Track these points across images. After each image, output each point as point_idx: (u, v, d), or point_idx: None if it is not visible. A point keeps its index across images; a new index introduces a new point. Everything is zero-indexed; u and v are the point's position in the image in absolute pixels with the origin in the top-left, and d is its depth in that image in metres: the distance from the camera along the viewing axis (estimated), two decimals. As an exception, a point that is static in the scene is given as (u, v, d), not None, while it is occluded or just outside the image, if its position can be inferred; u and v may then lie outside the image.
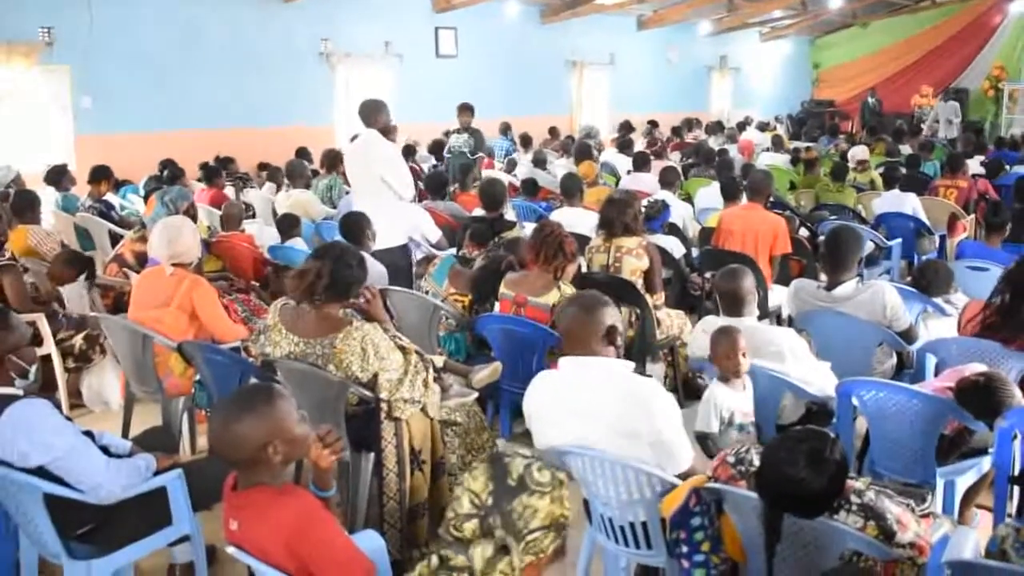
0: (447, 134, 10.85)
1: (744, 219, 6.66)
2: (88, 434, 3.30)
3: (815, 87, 25.34)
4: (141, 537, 3.29)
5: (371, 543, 2.74)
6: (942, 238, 8.34)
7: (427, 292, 5.55)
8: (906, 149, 13.44)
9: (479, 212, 7.09)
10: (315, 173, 10.34)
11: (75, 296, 5.84)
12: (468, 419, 4.12)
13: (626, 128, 15.98)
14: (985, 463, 3.66)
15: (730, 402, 3.76)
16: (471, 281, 5.42)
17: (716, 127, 17.04)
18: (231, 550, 2.45)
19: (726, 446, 3.43)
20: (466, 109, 10.86)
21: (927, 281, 5.15)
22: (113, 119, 11.57)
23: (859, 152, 11.76)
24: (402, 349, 3.72)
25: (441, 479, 3.87)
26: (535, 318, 4.81)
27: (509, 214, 7.25)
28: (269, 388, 2.54)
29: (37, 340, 5.17)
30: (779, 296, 6.16)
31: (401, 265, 6.40)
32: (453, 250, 6.43)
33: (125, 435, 4.57)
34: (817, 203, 9.58)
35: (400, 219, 6.44)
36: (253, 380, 3.97)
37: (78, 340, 5.62)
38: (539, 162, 12.16)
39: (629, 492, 3.06)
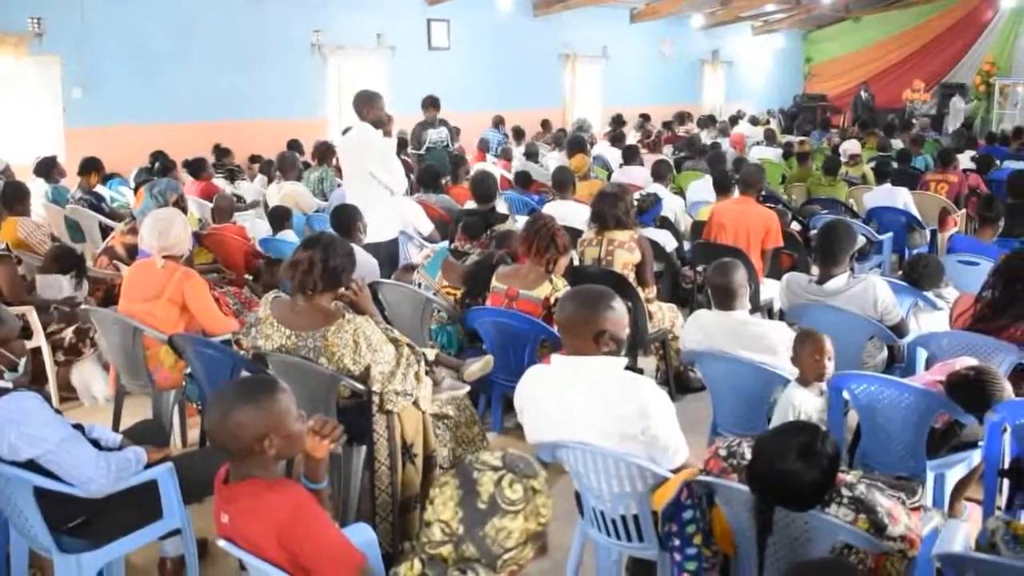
0: (423, 127, 10.80)
1: (736, 213, 6.66)
2: (78, 427, 3.28)
3: (807, 81, 25.38)
4: (132, 530, 3.27)
5: (363, 536, 2.74)
6: (933, 232, 8.36)
7: (420, 284, 5.54)
8: (897, 144, 13.46)
9: (471, 205, 7.08)
10: (306, 165, 10.31)
11: (50, 284, 5.77)
12: (459, 412, 4.11)
13: (617, 122, 15.97)
14: (975, 456, 3.68)
15: (808, 405, 3.74)
16: (464, 275, 5.42)
17: (708, 121, 17.06)
18: (222, 543, 2.44)
19: None
20: (434, 104, 10.82)
21: (918, 275, 5.17)
22: (104, 111, 11.50)
23: (851, 146, 11.78)
24: (394, 341, 3.72)
25: (432, 472, 3.86)
26: (527, 311, 4.81)
27: (501, 207, 7.24)
28: (273, 382, 2.53)
29: (27, 333, 5.15)
30: (771, 290, 6.17)
31: (392, 259, 6.40)
32: (445, 243, 6.42)
33: (115, 428, 4.54)
34: (809, 197, 9.60)
35: (392, 213, 6.43)
36: (244, 373, 3.96)
37: (68, 333, 5.60)
38: (531, 155, 12.15)
39: (621, 485, 3.06)
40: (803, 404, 3.73)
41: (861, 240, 7.10)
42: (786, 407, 3.73)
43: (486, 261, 5.44)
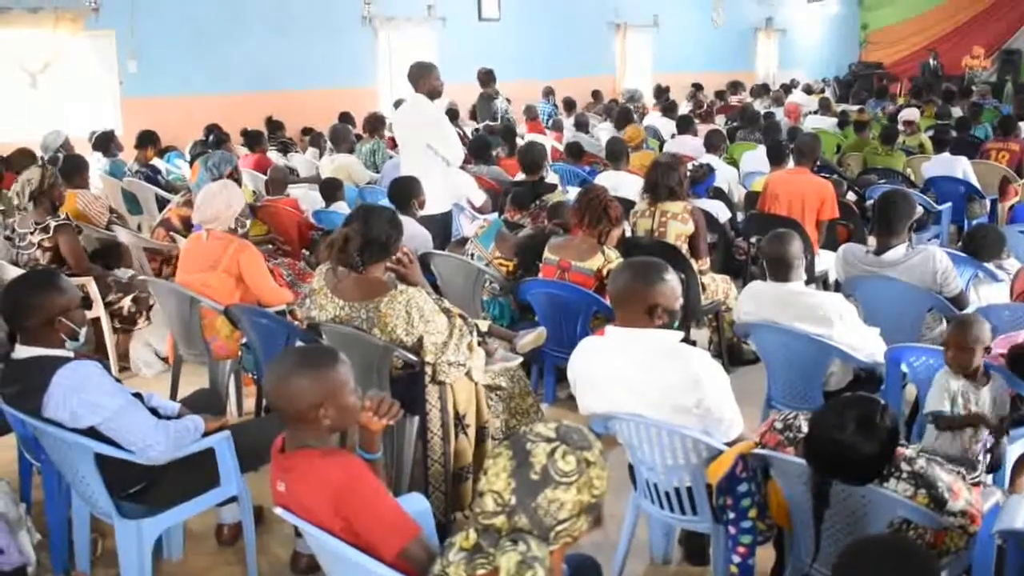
0: (489, 99, 10.77)
1: (791, 183, 6.56)
2: (137, 396, 3.34)
3: (863, 49, 24.81)
4: (190, 497, 3.33)
5: (416, 506, 2.76)
6: (993, 202, 8.19)
7: (472, 256, 5.54)
8: (956, 112, 13.16)
9: (521, 176, 7.06)
10: (358, 137, 10.34)
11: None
12: (512, 384, 4.11)
13: (662, 92, 15.79)
14: (1038, 431, 3.61)
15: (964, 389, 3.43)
16: (517, 247, 5.41)
17: (761, 90, 16.79)
18: (278, 511, 2.47)
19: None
20: (493, 76, 10.78)
21: (978, 246, 5.07)
22: (158, 83, 11.61)
23: (909, 114, 11.54)
24: (446, 312, 3.72)
25: (485, 443, 3.87)
26: (579, 283, 4.79)
27: (551, 177, 7.21)
28: (334, 353, 2.57)
29: (87, 303, 5.24)
30: (826, 261, 6.09)
31: (445, 231, 6.41)
32: (496, 214, 6.41)
33: (173, 397, 4.63)
34: (865, 167, 9.43)
35: (446, 185, 6.43)
36: (298, 343, 4.00)
37: (126, 303, 5.69)
38: (582, 126, 12.07)
39: (675, 457, 3.05)
40: (957, 387, 3.39)
41: (919, 210, 6.98)
42: (940, 388, 3.41)
43: (539, 233, 5.43)
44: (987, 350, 3.40)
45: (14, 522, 3.47)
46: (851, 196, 7.74)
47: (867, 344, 3.99)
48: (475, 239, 5.63)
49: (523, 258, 5.31)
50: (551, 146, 9.76)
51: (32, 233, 5.46)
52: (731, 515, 3.00)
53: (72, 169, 6.71)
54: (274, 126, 11.66)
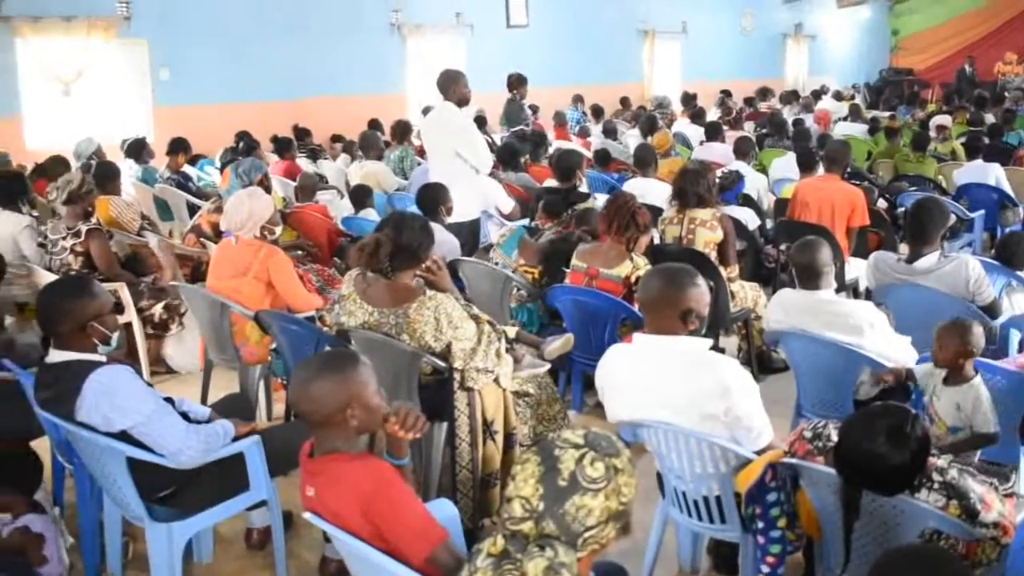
0: (519, 105, 10.78)
1: (821, 190, 6.52)
2: (168, 400, 3.37)
3: (893, 55, 24.60)
4: (220, 501, 3.36)
5: (445, 511, 2.77)
6: (1027, 210, 8.09)
7: (496, 263, 5.54)
8: (989, 118, 13.02)
9: (551, 183, 7.05)
10: (386, 144, 10.39)
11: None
12: (540, 390, 4.12)
13: (689, 99, 15.76)
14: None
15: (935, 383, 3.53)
16: (540, 253, 5.41)
17: (791, 96, 16.72)
18: (308, 516, 2.48)
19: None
20: (525, 82, 10.79)
21: (1011, 254, 5.02)
22: (190, 91, 11.74)
23: (940, 119, 11.43)
24: (475, 319, 3.73)
25: (513, 449, 3.87)
26: (607, 290, 4.78)
27: (582, 186, 7.21)
28: (354, 355, 2.61)
29: (119, 308, 5.29)
30: (857, 269, 6.05)
31: (474, 238, 6.42)
32: (524, 221, 6.41)
33: (203, 401, 4.67)
34: (896, 174, 9.35)
35: (474, 192, 6.45)
36: (328, 349, 4.02)
37: (158, 309, 5.75)
38: (609, 132, 12.06)
39: (703, 466, 3.04)
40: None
41: (952, 218, 6.92)
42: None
43: (561, 240, 5.42)
44: (969, 355, 3.44)
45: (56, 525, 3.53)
46: (882, 203, 7.68)
47: (898, 353, 3.96)
48: (497, 247, 5.64)
49: (548, 265, 5.31)
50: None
51: (64, 238, 5.54)
52: (760, 524, 2.99)
53: (105, 176, 6.79)
54: (301, 133, 11.73)
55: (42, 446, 3.92)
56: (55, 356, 3.19)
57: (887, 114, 13.92)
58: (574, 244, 5.24)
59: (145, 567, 3.36)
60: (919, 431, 2.58)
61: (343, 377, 2.48)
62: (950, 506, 2.63)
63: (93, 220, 5.69)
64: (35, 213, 6.56)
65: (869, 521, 2.69)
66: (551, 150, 9.33)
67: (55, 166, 8.42)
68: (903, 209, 6.97)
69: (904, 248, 4.88)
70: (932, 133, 10.77)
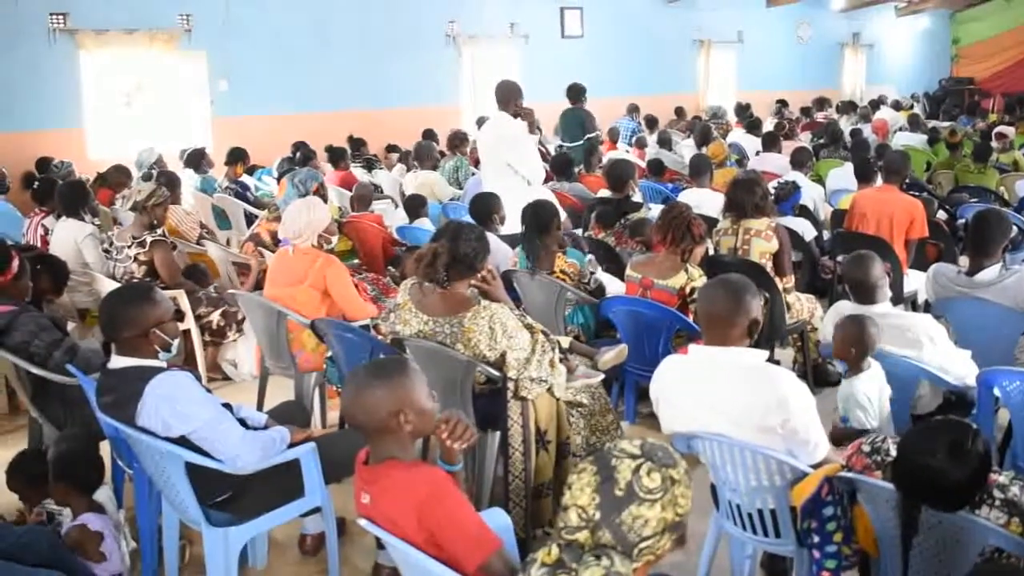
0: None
1: (879, 202, 6.43)
2: (226, 406, 3.42)
3: (954, 64, 24.15)
4: (275, 507, 3.39)
5: (498, 520, 2.78)
6: (1092, 222, 7.89)
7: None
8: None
9: (605, 193, 7.05)
10: (441, 154, 10.45)
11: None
12: (593, 401, 4.11)
13: (743, 109, 15.64)
14: None
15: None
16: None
17: (848, 106, 16.54)
18: (362, 522, 2.50)
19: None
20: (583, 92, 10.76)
21: (1075, 267, 4.90)
22: (247, 102, 11.94)
23: (1003, 128, 11.23)
24: (529, 328, 3.73)
25: (566, 459, 3.87)
26: (662, 301, 4.76)
27: (636, 195, 7.19)
28: (403, 361, 2.64)
29: (178, 315, 5.38)
30: (915, 281, 5.95)
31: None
32: (576, 231, 6.40)
33: (259, 408, 4.72)
34: (956, 185, 9.20)
35: (527, 202, 6.45)
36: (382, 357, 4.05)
37: (215, 316, 5.84)
38: (664, 143, 12.02)
39: (758, 478, 3.01)
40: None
41: (1013, 230, 6.78)
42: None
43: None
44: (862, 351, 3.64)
45: (118, 528, 3.60)
46: (942, 215, 7.56)
47: (958, 367, 3.89)
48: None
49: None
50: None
51: (129, 247, 5.64)
52: (815, 539, 2.95)
53: (166, 186, 6.91)
54: (356, 143, 11.86)
55: (103, 450, 4.00)
56: (117, 362, 3.26)
57: (946, 125, 13.68)
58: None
59: (202, 570, 3.40)
60: (980, 446, 2.53)
61: (392, 383, 2.49)
62: (1012, 523, 2.58)
63: (159, 231, 5.79)
64: (97, 221, 6.70)
65: (928, 538, 2.64)
66: (604, 160, 9.32)
67: (117, 175, 8.62)
68: (963, 221, 6.85)
69: (964, 260, 4.80)
70: (993, 143, 10.58)
